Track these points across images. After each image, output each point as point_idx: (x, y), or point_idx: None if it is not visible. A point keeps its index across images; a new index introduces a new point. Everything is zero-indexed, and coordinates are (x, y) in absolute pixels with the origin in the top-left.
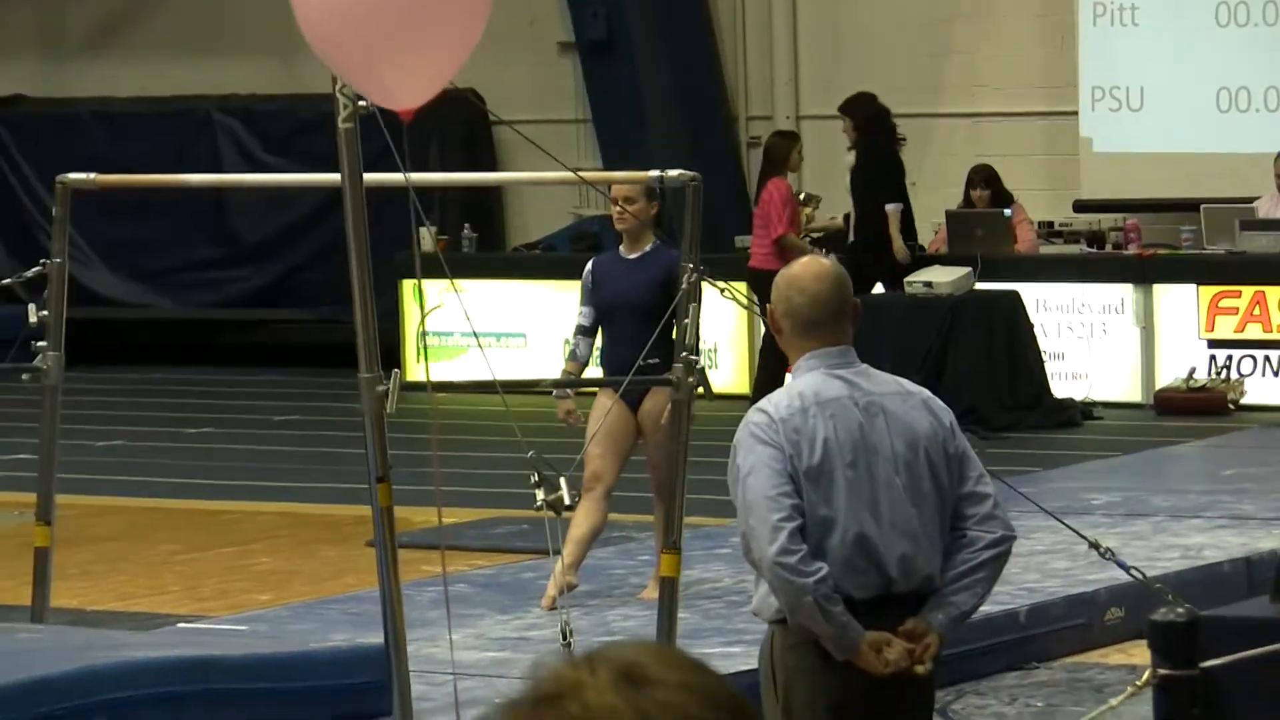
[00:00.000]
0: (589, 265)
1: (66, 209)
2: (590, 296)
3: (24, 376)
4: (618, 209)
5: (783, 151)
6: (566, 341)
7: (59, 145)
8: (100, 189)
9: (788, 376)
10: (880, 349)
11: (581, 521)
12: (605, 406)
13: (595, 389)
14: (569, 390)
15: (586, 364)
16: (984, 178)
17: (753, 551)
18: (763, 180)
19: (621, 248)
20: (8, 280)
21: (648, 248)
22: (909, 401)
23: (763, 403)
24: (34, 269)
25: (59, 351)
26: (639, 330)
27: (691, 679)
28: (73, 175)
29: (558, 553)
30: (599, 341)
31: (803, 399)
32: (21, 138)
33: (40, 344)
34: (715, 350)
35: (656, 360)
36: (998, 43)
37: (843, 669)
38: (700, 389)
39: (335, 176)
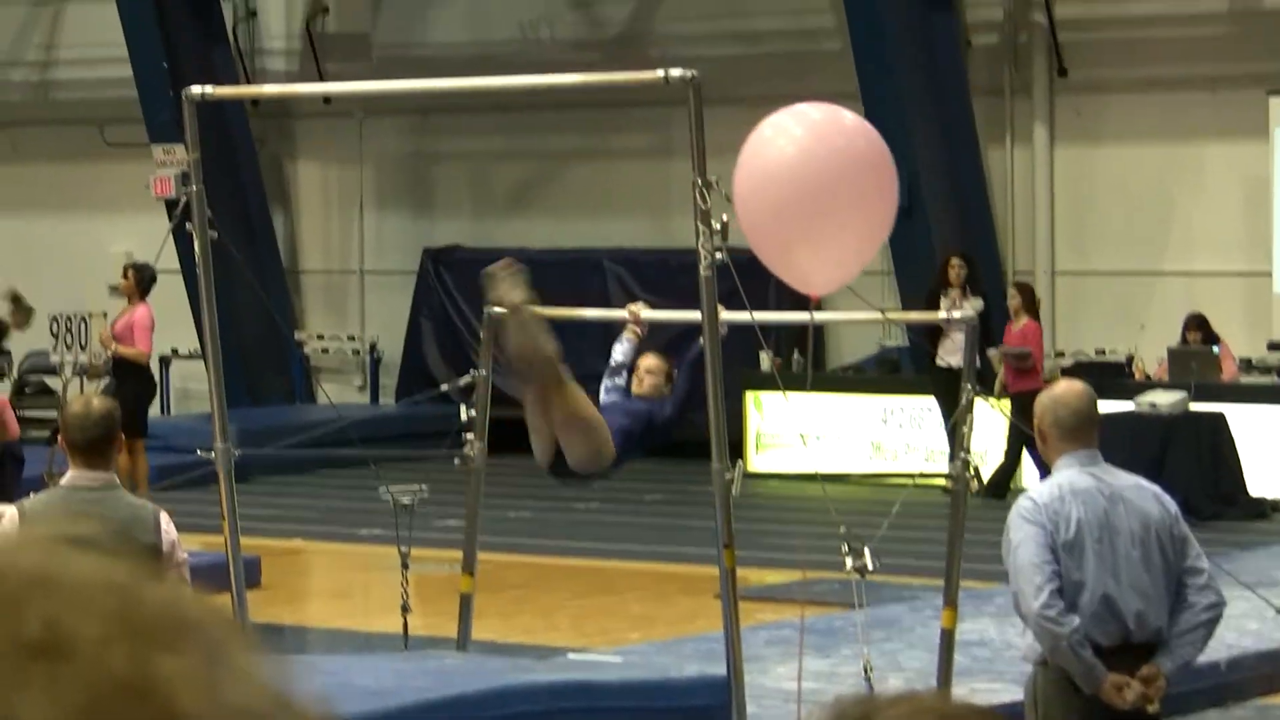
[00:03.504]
0: None
1: (491, 332)
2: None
3: (456, 462)
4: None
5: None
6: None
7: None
8: None
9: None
10: (1116, 453)
11: None
12: None
13: None
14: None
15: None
16: (1197, 323)
17: (1021, 606)
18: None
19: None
20: (445, 386)
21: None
22: (1143, 494)
23: (1030, 491)
24: (464, 378)
25: (483, 442)
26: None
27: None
28: (497, 308)
29: (863, 606)
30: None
31: (1060, 489)
32: (457, 277)
33: (469, 436)
34: (985, 453)
35: None
36: (1208, 215)
37: (1089, 699)
38: (974, 482)
39: (696, 314)
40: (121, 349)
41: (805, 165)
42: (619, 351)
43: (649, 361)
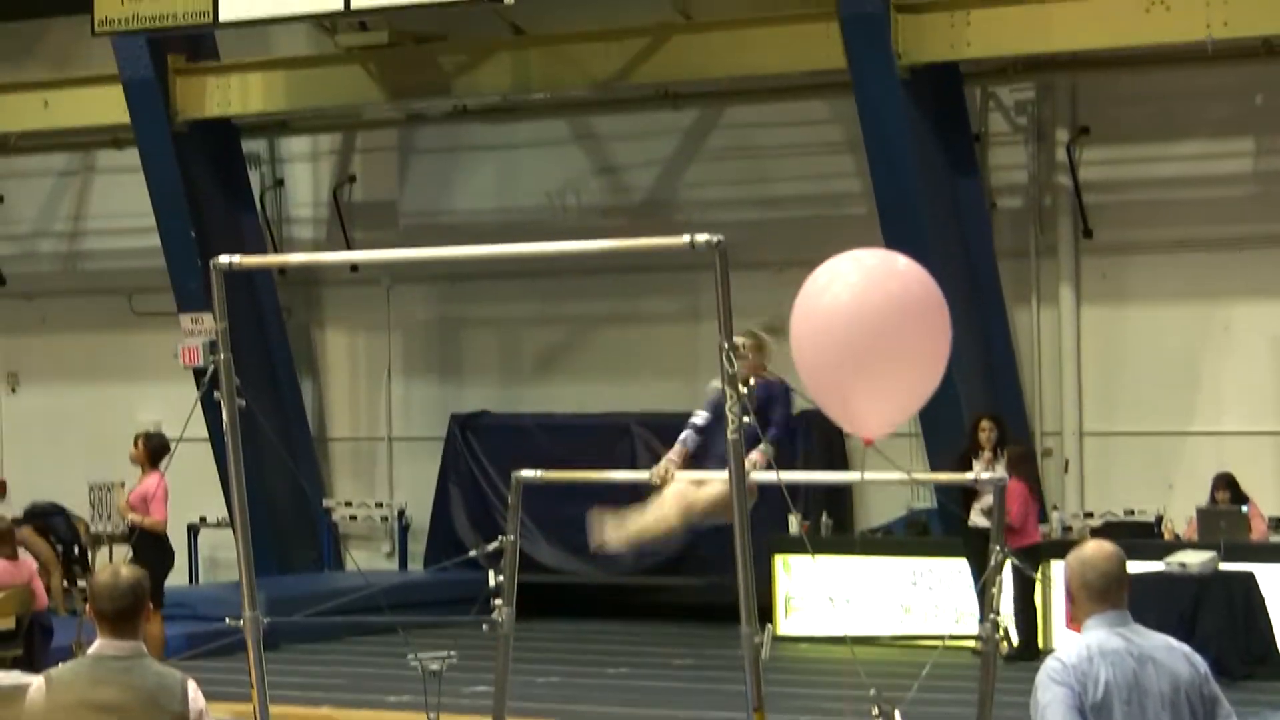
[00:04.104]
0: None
1: (518, 497)
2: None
3: (484, 627)
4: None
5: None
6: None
7: (513, 448)
8: (544, 483)
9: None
10: (1147, 613)
11: None
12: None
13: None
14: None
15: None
16: (1226, 482)
17: None
18: None
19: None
20: (474, 552)
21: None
22: (1173, 654)
23: (1058, 651)
24: (493, 544)
25: (511, 607)
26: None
27: None
28: (524, 472)
29: None
30: None
31: (1089, 650)
32: (484, 442)
33: (497, 601)
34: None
35: None
36: (1236, 374)
37: None
38: (1004, 643)
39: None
40: (141, 519)
41: (860, 310)
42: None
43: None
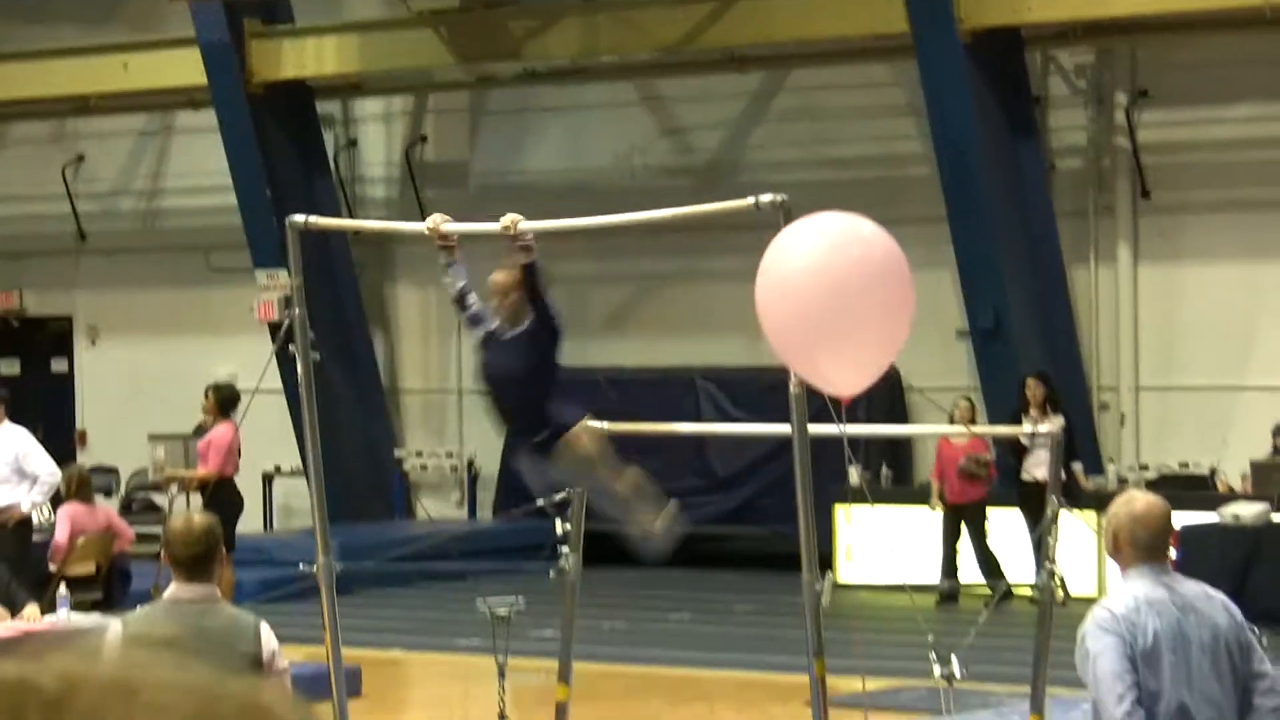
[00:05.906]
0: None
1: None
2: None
3: (551, 574)
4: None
5: None
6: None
7: (580, 401)
8: (610, 434)
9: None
10: (1201, 564)
11: None
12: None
13: None
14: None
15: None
16: None
17: (1102, 715)
18: None
19: (500, 325)
20: (541, 501)
21: (524, 324)
22: (1212, 603)
23: (1105, 601)
24: (560, 494)
25: (578, 554)
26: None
27: None
28: (591, 423)
29: (950, 713)
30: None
31: (1136, 600)
32: None
33: (564, 549)
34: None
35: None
36: None
37: None
38: (1060, 591)
39: (786, 428)
40: (180, 473)
41: (823, 273)
42: (455, 284)
43: (493, 280)
